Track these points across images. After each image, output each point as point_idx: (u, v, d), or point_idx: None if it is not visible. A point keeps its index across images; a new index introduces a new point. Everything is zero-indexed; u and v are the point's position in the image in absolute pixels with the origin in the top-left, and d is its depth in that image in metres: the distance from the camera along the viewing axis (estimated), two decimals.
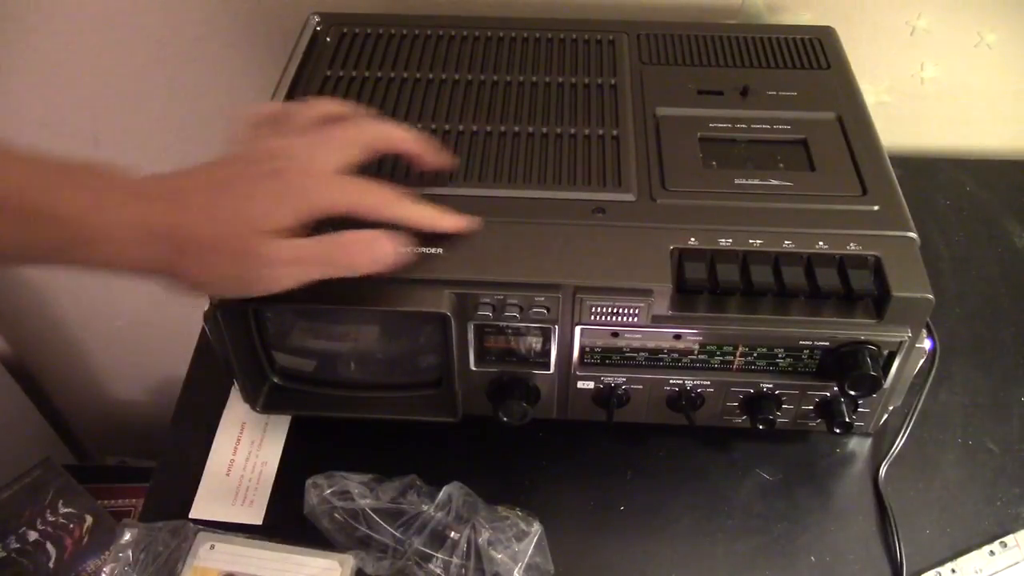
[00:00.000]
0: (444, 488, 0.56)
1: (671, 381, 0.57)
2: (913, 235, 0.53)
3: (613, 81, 0.66)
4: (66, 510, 1.03)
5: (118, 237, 0.42)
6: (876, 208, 0.55)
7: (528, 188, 0.56)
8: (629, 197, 0.56)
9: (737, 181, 0.57)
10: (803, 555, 0.56)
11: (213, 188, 0.45)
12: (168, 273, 0.44)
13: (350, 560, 0.54)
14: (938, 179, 0.83)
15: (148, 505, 0.60)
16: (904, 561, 0.55)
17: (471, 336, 0.54)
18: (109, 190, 0.43)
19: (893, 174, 0.58)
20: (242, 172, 0.46)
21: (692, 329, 0.53)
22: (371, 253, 0.46)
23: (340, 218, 0.47)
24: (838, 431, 0.57)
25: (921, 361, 0.55)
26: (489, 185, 0.57)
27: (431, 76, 0.66)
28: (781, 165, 0.59)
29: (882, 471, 0.60)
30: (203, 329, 0.55)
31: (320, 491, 0.56)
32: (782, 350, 0.54)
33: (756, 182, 0.57)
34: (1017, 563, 0.56)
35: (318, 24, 0.71)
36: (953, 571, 0.55)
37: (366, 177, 0.48)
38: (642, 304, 0.52)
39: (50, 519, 1.02)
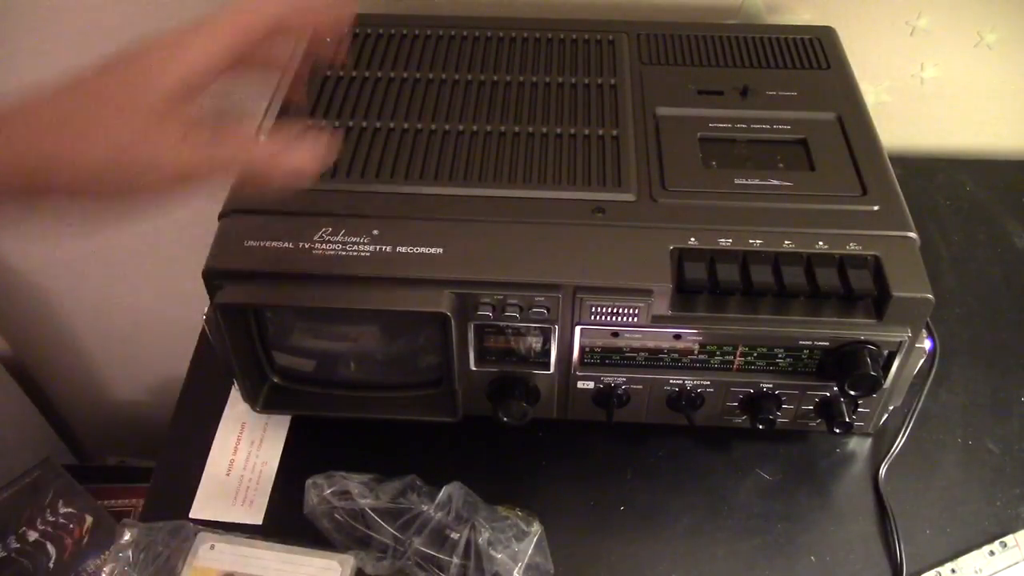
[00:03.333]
0: (444, 488, 0.56)
1: (671, 381, 0.57)
2: (913, 235, 0.53)
3: (613, 81, 0.66)
4: (66, 510, 1.03)
5: None
6: (876, 208, 0.55)
7: (528, 188, 0.56)
8: (629, 197, 0.56)
9: (737, 181, 0.57)
10: (803, 555, 0.56)
11: None
12: None
13: (350, 560, 0.54)
14: (938, 179, 0.83)
15: (148, 505, 0.60)
16: (904, 561, 0.55)
17: (471, 336, 0.54)
18: None
19: (893, 174, 0.58)
20: None
21: (692, 329, 0.53)
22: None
23: None
24: (838, 431, 0.57)
25: (921, 361, 0.55)
26: (489, 185, 0.57)
27: (431, 76, 0.66)
28: (781, 165, 0.59)
29: (882, 471, 0.60)
30: (203, 329, 0.55)
31: (320, 491, 0.56)
32: (782, 350, 0.54)
33: (756, 182, 0.57)
34: (1017, 563, 0.56)
35: None
36: (953, 571, 0.55)
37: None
38: (642, 304, 0.52)
39: (50, 519, 1.02)
